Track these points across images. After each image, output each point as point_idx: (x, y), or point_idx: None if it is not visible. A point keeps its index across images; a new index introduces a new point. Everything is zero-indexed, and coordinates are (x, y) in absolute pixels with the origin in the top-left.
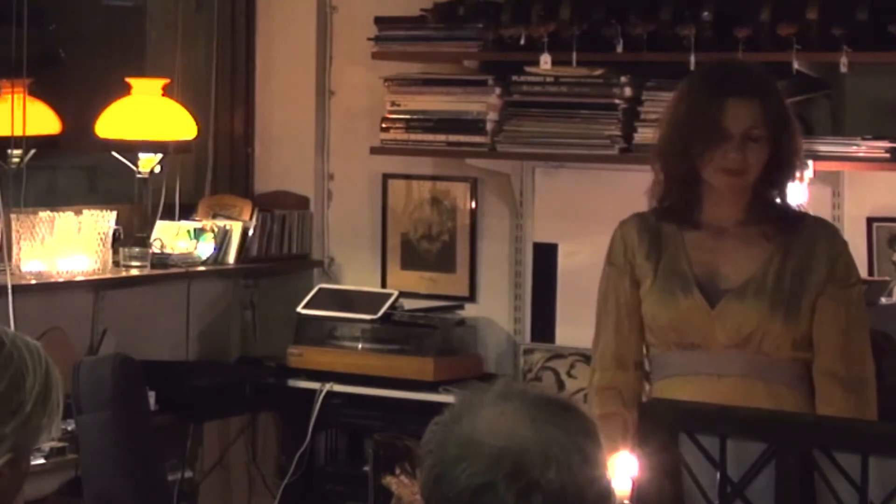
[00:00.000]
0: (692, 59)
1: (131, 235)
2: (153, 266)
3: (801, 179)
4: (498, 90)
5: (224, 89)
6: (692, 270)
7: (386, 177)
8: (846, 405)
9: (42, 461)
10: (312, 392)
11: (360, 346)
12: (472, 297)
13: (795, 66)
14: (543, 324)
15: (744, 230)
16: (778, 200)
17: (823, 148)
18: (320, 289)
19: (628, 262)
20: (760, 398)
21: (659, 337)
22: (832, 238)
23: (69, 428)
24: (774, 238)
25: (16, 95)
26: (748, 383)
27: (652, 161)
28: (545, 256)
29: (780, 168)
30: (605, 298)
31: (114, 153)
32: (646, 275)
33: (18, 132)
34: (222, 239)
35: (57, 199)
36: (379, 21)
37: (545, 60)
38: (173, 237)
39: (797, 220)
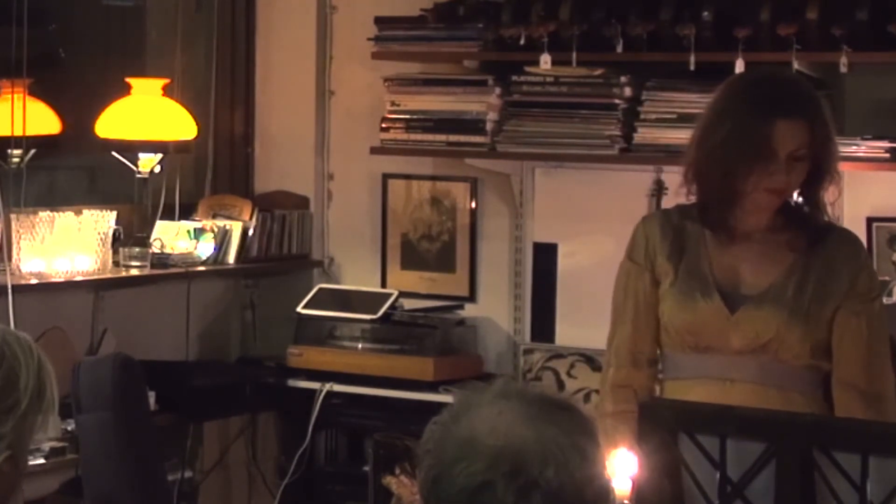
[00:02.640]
0: (692, 59)
1: (131, 235)
2: (153, 266)
3: (839, 193)
4: (498, 90)
5: (224, 89)
6: (713, 274)
7: (386, 177)
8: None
9: (42, 461)
10: (312, 392)
11: (360, 346)
12: (472, 297)
13: (795, 66)
14: (543, 324)
15: (769, 237)
16: (806, 209)
17: None
18: (320, 289)
19: (649, 260)
20: (774, 405)
21: (674, 338)
22: (856, 251)
23: (69, 428)
24: (799, 248)
25: (16, 95)
26: (761, 390)
27: (685, 175)
28: (545, 256)
29: (815, 182)
30: (623, 294)
31: (114, 153)
32: (666, 274)
33: (18, 132)
34: (222, 239)
35: (57, 199)
36: (379, 21)
37: (545, 60)
38: (173, 237)
39: (823, 230)
